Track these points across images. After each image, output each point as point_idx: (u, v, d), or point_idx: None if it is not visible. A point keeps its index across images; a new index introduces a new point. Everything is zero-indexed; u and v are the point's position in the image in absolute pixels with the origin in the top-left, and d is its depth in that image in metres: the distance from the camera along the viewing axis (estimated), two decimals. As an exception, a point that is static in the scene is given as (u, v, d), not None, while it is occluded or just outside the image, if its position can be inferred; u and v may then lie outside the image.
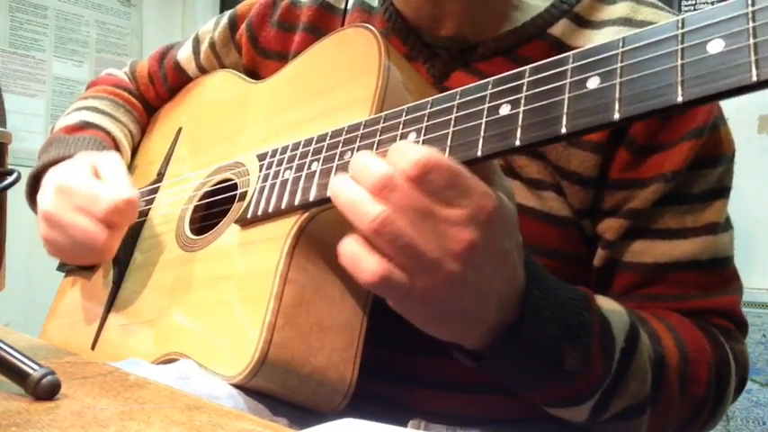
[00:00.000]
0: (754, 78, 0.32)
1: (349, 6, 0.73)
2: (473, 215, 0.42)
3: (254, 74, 0.78)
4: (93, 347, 0.72)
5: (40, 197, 0.71)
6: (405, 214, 0.42)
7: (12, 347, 0.41)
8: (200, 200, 0.70)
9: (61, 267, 0.85)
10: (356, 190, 0.43)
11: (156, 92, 0.91)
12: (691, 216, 0.60)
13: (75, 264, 0.78)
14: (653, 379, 0.53)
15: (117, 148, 0.82)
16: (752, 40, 0.33)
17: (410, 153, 0.42)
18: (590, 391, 0.51)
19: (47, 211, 0.67)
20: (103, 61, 2.65)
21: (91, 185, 0.65)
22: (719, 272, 0.61)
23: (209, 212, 0.69)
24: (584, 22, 0.63)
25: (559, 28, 0.63)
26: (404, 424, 0.61)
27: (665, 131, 0.59)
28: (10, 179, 0.46)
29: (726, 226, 0.62)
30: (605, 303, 0.53)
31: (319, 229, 0.55)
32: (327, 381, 0.53)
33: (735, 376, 0.59)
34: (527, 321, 0.47)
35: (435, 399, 0.62)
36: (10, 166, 0.48)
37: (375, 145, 0.50)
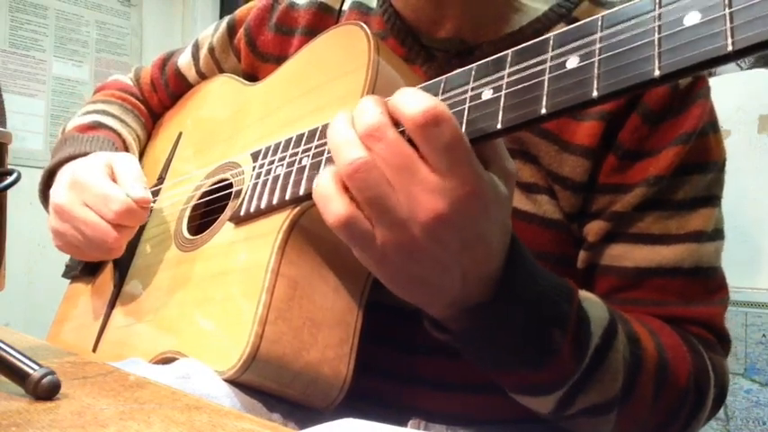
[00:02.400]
0: (730, 48, 0.32)
1: (345, 8, 0.73)
2: (451, 188, 0.41)
3: (254, 78, 0.78)
4: (94, 350, 0.72)
5: (52, 191, 0.71)
6: (383, 166, 0.41)
7: (12, 347, 0.41)
8: (197, 200, 0.70)
9: (66, 274, 0.86)
10: (348, 132, 0.43)
11: (159, 98, 0.92)
12: (675, 222, 0.59)
13: (83, 260, 0.78)
14: (625, 380, 0.52)
15: (127, 150, 0.83)
16: (727, 10, 0.33)
17: (423, 101, 0.40)
18: (556, 383, 0.50)
19: (58, 203, 0.68)
20: (103, 61, 2.66)
21: (104, 184, 0.66)
22: (703, 281, 0.61)
23: (208, 211, 0.69)
24: None
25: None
26: (404, 424, 0.61)
27: (654, 138, 0.59)
28: (10, 179, 0.46)
29: (713, 236, 0.61)
30: (588, 298, 0.53)
31: (311, 224, 0.55)
32: (321, 376, 0.53)
33: (714, 387, 0.58)
34: (498, 303, 0.46)
35: (435, 399, 0.62)
36: (10, 166, 0.48)
37: None
